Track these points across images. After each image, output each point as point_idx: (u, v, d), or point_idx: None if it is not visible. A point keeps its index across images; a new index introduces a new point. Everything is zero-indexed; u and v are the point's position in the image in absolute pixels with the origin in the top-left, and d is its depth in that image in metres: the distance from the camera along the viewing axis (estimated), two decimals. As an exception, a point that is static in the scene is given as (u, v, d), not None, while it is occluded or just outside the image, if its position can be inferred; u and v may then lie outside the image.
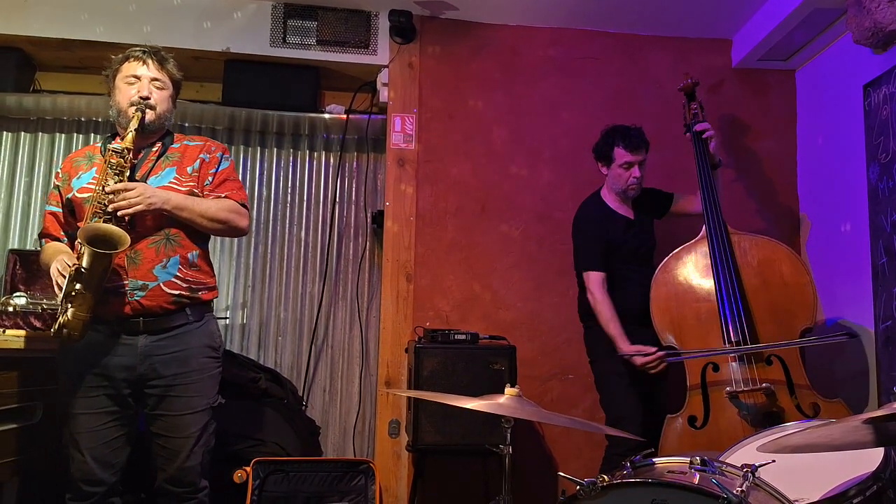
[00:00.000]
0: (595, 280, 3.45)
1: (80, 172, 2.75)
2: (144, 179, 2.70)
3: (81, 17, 3.92)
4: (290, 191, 4.38)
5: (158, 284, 2.62)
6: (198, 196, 2.76)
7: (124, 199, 2.55)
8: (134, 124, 2.65)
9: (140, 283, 2.60)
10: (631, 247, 3.52)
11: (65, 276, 2.46)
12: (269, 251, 4.32)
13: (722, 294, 3.26)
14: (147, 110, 2.71)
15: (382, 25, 4.12)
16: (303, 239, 4.35)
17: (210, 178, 2.82)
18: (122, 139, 2.67)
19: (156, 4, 3.98)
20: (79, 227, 2.66)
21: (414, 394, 3.12)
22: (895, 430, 1.79)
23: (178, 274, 2.67)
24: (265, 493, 3.45)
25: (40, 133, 4.27)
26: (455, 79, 4.20)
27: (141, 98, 2.71)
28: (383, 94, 4.17)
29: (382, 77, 4.15)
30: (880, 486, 2.06)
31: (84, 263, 2.42)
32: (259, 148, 4.39)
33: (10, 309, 3.33)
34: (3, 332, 3.03)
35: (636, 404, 3.36)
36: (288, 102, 4.15)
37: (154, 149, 2.79)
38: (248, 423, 3.57)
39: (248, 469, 3.43)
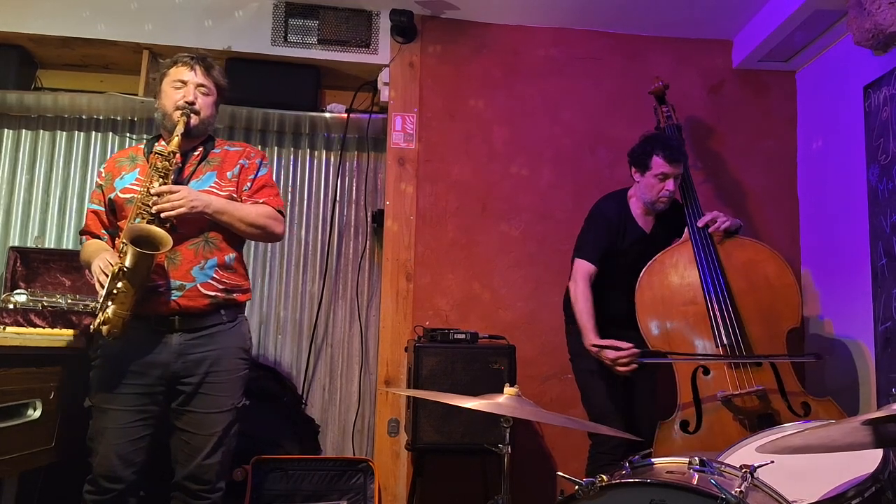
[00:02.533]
0: (583, 269, 3.39)
1: (124, 173, 2.81)
2: (186, 182, 2.75)
3: (83, 14, 3.92)
4: (290, 189, 4.38)
5: (196, 285, 2.68)
6: (236, 200, 2.82)
7: (168, 202, 2.60)
8: (180, 129, 2.71)
9: (178, 283, 2.66)
10: (632, 259, 3.42)
11: (107, 275, 2.51)
12: (268, 249, 4.32)
13: (710, 297, 3.24)
14: (192, 115, 2.77)
15: (383, 25, 4.13)
16: (303, 238, 4.36)
17: (249, 184, 2.88)
18: (168, 143, 2.73)
19: (157, 3, 3.98)
20: (119, 227, 2.75)
21: (413, 393, 3.13)
22: (894, 432, 1.79)
23: (214, 276, 2.73)
24: (264, 492, 3.46)
25: (41, 130, 4.27)
26: (456, 78, 4.20)
27: (187, 103, 2.77)
28: (384, 94, 4.17)
29: (383, 76, 4.16)
30: (879, 488, 2.06)
31: (127, 263, 2.47)
32: (260, 146, 4.39)
33: (11, 306, 3.33)
34: (3, 329, 3.03)
35: (617, 403, 3.35)
36: (289, 101, 4.16)
37: (196, 152, 2.85)
38: (247, 422, 3.56)
39: (247, 467, 3.43)
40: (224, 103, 4.03)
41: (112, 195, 2.77)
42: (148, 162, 2.76)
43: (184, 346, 2.68)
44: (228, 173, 2.84)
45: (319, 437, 4.00)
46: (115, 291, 2.48)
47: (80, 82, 4.24)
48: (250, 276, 4.21)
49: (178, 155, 2.72)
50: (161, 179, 2.65)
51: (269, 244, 4.29)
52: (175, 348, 2.67)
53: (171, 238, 2.55)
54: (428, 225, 4.08)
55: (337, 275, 4.34)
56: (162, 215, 2.59)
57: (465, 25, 4.22)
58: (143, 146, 2.91)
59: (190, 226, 2.69)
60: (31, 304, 3.44)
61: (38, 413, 2.96)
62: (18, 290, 3.56)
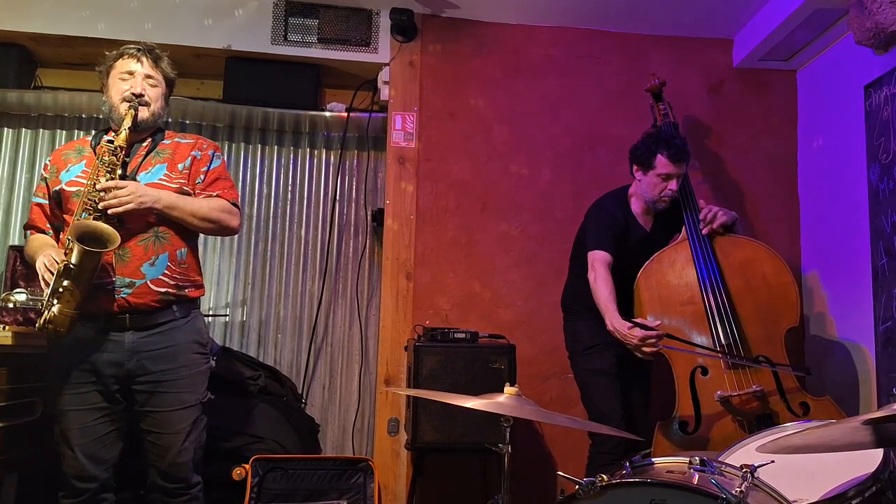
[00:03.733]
0: (600, 258, 3.30)
1: (69, 165, 2.74)
2: (134, 175, 2.69)
3: (83, 13, 3.92)
4: (290, 188, 4.38)
5: (146, 282, 2.62)
6: (188, 193, 2.76)
7: (115, 198, 2.54)
8: (128, 122, 2.65)
9: (127, 280, 2.60)
10: (632, 258, 3.39)
11: (52, 272, 2.46)
12: (269, 249, 4.32)
13: (707, 297, 3.23)
14: (140, 107, 2.71)
15: (384, 23, 4.12)
16: (303, 237, 4.36)
17: (202, 177, 2.82)
18: (116, 136, 2.66)
19: (157, 1, 3.97)
20: (65, 220, 2.68)
21: (413, 392, 3.12)
22: (894, 432, 1.79)
23: (165, 271, 2.67)
24: (264, 491, 3.45)
25: (41, 129, 4.27)
26: (456, 77, 4.20)
27: (134, 95, 2.71)
28: (384, 93, 4.17)
29: (383, 75, 4.16)
30: (879, 488, 2.05)
31: (73, 260, 2.41)
32: (260, 145, 4.40)
33: (11, 305, 3.33)
34: (3, 328, 3.03)
35: (616, 401, 3.32)
36: (289, 100, 4.15)
37: (144, 144, 2.78)
38: (247, 421, 3.57)
39: (247, 466, 3.43)
40: (224, 102, 4.11)
41: (57, 188, 2.71)
42: (95, 154, 2.70)
43: (137, 343, 2.62)
44: (180, 165, 2.78)
45: (319, 436, 3.99)
46: (60, 290, 2.42)
47: (81, 81, 4.22)
48: (250, 274, 4.26)
49: (124, 149, 2.65)
50: (108, 174, 2.59)
51: (269, 242, 4.30)
52: (128, 346, 2.61)
53: (119, 235, 2.49)
54: (428, 224, 4.07)
55: (337, 274, 4.34)
56: (109, 212, 2.53)
57: (466, 24, 4.21)
58: (90, 138, 2.86)
59: (138, 221, 2.63)
60: (31, 303, 3.43)
61: (38, 412, 2.96)
62: (18, 290, 3.55)
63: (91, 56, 4.12)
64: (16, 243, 4.06)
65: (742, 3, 3.95)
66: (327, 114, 4.24)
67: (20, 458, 2.91)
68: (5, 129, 4.24)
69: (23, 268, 3.81)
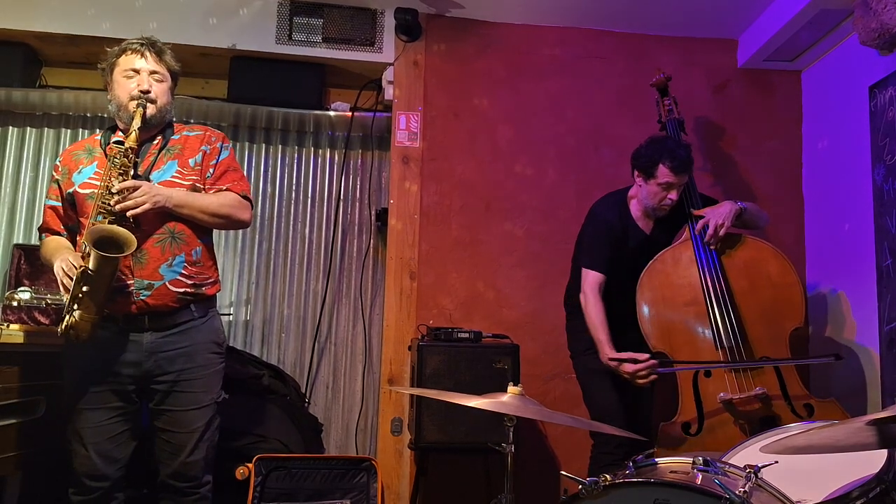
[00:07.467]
0: (592, 281, 3.32)
1: (81, 166, 2.71)
2: (147, 174, 2.66)
3: (88, 12, 3.92)
4: (294, 188, 4.38)
5: (164, 283, 2.61)
6: (200, 189, 2.74)
7: (131, 199, 2.51)
8: (137, 122, 2.60)
9: (146, 282, 2.59)
10: (632, 261, 3.37)
11: (71, 278, 2.43)
12: (273, 248, 4.32)
13: (710, 298, 3.21)
14: (148, 105, 2.66)
15: (388, 23, 4.12)
16: (307, 236, 4.36)
17: (211, 171, 2.78)
18: (126, 137, 2.61)
19: (162, 1, 3.98)
20: (79, 221, 2.66)
21: (417, 392, 3.12)
22: (899, 432, 1.78)
23: (183, 272, 2.65)
24: (267, 490, 3.45)
25: (46, 128, 4.28)
26: (460, 77, 4.20)
27: (141, 92, 2.66)
28: (388, 92, 4.17)
29: (388, 75, 4.16)
30: (883, 488, 2.04)
31: (91, 266, 2.39)
32: (264, 145, 4.40)
33: (15, 304, 3.34)
34: (7, 326, 3.04)
35: (618, 402, 3.31)
36: (293, 99, 4.15)
37: (155, 142, 2.75)
38: (250, 420, 3.57)
39: (250, 466, 3.43)
40: (229, 101, 4.11)
41: (70, 190, 2.67)
42: (105, 155, 2.67)
43: (155, 344, 2.62)
44: (191, 160, 2.74)
45: (323, 435, 4.00)
46: (80, 296, 2.39)
47: (85, 80, 4.23)
48: (254, 274, 4.26)
49: (135, 150, 2.60)
50: (120, 176, 2.54)
51: (273, 241, 4.30)
52: (146, 347, 2.61)
53: (135, 239, 2.46)
54: (432, 223, 4.07)
55: (340, 273, 4.34)
56: (127, 214, 2.49)
57: (470, 24, 4.21)
58: (99, 137, 2.81)
59: (152, 221, 2.61)
60: (35, 301, 3.43)
61: (41, 411, 2.97)
62: (22, 288, 3.56)
63: (96, 55, 4.07)
64: (20, 242, 4.06)
65: (747, 4, 3.94)
66: (331, 113, 4.24)
67: (25, 456, 2.91)
68: (10, 128, 4.24)
69: (27, 266, 3.82)
